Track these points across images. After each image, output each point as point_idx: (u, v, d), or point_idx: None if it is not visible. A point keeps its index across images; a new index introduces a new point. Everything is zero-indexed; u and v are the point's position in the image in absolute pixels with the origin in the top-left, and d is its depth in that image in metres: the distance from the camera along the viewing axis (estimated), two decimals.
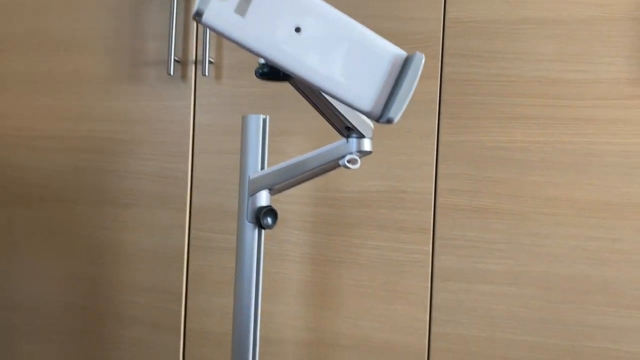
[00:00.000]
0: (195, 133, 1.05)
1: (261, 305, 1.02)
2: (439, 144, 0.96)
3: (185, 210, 1.05)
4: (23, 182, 1.12)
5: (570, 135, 0.91)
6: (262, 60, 0.59)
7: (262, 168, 0.83)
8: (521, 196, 0.93)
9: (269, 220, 0.84)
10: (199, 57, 1.05)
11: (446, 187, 0.95)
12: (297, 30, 0.50)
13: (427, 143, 0.96)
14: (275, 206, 1.02)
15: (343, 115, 0.62)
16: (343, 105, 0.64)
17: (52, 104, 1.11)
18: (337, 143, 0.67)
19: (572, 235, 0.91)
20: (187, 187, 1.05)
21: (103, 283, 1.08)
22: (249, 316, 0.89)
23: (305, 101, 1.01)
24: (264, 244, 1.02)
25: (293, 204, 1.01)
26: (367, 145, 0.65)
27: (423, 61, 0.51)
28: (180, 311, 1.05)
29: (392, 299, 0.97)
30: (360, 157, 0.66)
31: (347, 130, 0.65)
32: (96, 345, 1.08)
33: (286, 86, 1.02)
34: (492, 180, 0.94)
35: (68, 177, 1.10)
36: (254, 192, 0.82)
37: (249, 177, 0.83)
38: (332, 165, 0.70)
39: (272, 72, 0.55)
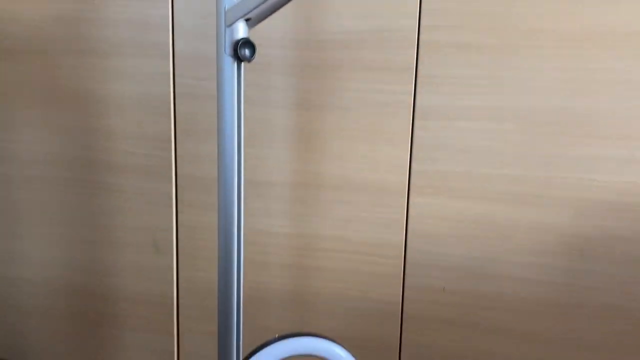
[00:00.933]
0: None
1: (247, 149, 1.05)
2: None
3: (169, 58, 1.05)
4: (1, 35, 1.11)
5: None
6: None
7: None
8: (504, 29, 0.91)
9: (247, 52, 0.83)
10: None
11: (429, 24, 0.94)
12: None
13: None
14: (258, 51, 1.01)
15: None
16: None
17: None
18: None
19: (553, 68, 0.91)
20: (168, 34, 1.04)
21: (92, 133, 1.10)
22: (232, 154, 0.91)
23: None
24: (247, 85, 1.03)
25: (275, 48, 1.01)
26: None
27: None
28: (170, 158, 1.08)
29: (374, 140, 0.99)
30: None
31: None
32: (90, 191, 1.12)
33: None
34: (475, 14, 0.92)
35: (48, 28, 1.08)
36: (231, 23, 0.81)
37: (225, 8, 0.82)
38: None
39: None
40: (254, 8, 0.77)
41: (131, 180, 1.10)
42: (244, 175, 1.06)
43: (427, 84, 0.96)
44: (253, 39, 1.01)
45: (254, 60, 1.01)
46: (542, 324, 0.99)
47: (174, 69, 1.05)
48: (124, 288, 1.14)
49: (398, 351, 1.05)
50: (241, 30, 0.81)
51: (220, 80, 0.85)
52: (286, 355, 0.74)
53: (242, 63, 0.85)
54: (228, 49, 0.82)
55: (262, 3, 0.75)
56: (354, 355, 0.80)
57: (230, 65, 0.83)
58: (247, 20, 0.80)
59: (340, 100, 1.00)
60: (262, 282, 1.09)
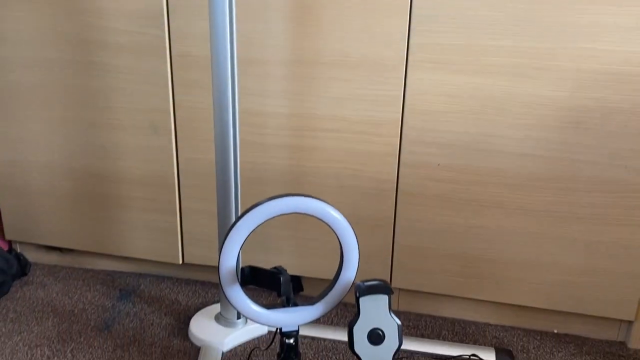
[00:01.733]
0: None
1: (240, 25, 1.02)
2: None
3: None
4: None
5: None
6: None
7: None
8: None
9: None
10: None
11: None
12: None
13: None
14: None
15: None
16: None
17: None
18: None
19: None
20: None
21: (84, 11, 1.07)
22: (224, 30, 0.89)
23: None
24: None
25: None
26: None
27: None
28: (164, 36, 1.06)
29: (371, 11, 0.96)
30: None
31: None
32: (87, 72, 1.11)
33: None
34: None
35: None
36: None
37: None
38: None
39: None
40: None
41: (126, 60, 1.09)
42: (238, 53, 1.04)
43: None
44: None
45: None
46: (536, 198, 1.00)
47: None
48: (126, 170, 1.16)
49: (392, 226, 1.08)
50: None
51: None
52: (279, 213, 0.76)
53: None
54: None
55: None
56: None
57: None
58: None
59: None
60: (260, 162, 1.10)
